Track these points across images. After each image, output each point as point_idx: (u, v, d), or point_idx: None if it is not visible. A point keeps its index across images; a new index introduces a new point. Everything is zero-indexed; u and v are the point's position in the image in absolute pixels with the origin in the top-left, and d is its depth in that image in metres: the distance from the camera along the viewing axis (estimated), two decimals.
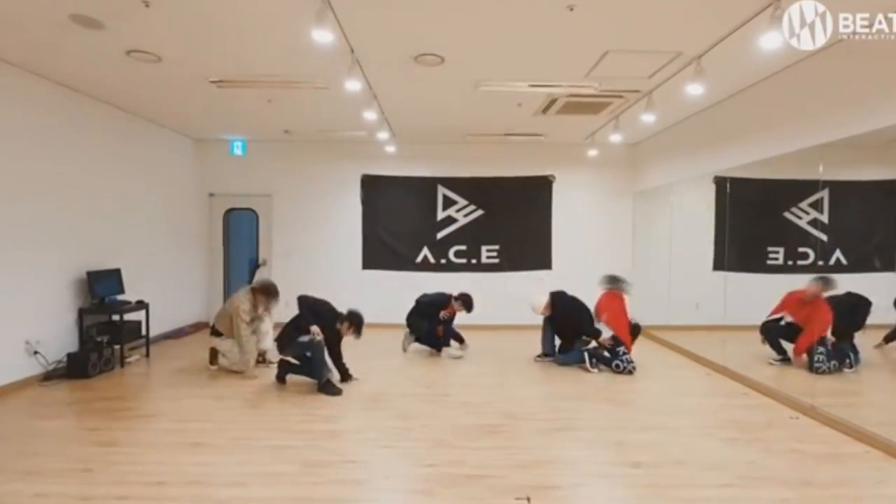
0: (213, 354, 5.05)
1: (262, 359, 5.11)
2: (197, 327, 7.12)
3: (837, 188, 4.40)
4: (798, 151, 4.04)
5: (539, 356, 5.47)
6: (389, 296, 7.03)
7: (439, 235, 7.42)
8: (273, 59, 4.15)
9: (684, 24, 3.40)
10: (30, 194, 4.43)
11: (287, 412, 3.83)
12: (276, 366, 4.62)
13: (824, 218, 4.57)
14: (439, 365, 5.34)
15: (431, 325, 5.63)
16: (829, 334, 4.38)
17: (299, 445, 3.20)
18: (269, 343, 5.01)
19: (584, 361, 5.08)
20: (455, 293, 5.64)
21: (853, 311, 4.48)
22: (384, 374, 4.82)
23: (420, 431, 3.46)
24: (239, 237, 7.56)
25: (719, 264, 5.53)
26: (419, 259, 7.38)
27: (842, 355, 4.39)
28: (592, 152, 6.82)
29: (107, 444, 3.21)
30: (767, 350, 4.87)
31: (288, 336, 4.46)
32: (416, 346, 5.78)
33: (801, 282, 4.61)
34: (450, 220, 7.46)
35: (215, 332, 4.93)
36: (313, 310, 4.56)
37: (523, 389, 4.47)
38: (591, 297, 5.51)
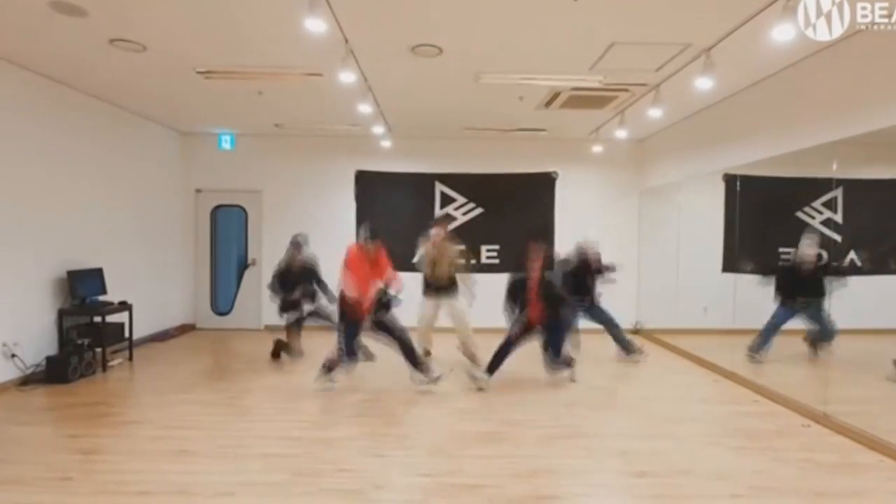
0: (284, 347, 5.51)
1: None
2: (183, 329, 7.11)
3: (852, 187, 4.42)
4: (811, 148, 4.05)
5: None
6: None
7: None
8: (263, 49, 4.15)
9: (693, 14, 3.41)
10: (6, 190, 4.41)
11: (277, 419, 3.83)
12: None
13: (838, 218, 4.60)
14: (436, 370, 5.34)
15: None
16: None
17: (290, 453, 3.20)
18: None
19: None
20: None
21: None
22: (378, 380, 4.82)
23: (416, 439, 3.47)
24: (227, 235, 7.54)
25: (729, 266, 5.55)
26: (416, 259, 7.36)
27: None
28: (597, 148, 6.83)
29: (87, 451, 3.20)
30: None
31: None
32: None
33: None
34: (448, 219, 7.45)
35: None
36: None
37: (523, 395, 4.48)
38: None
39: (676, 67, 4.34)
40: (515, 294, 4.71)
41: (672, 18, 3.49)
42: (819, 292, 4.65)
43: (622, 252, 7.35)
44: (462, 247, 5.46)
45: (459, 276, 5.39)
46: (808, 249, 4.82)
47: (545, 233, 7.44)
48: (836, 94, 3.86)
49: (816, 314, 4.76)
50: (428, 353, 5.35)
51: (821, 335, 4.75)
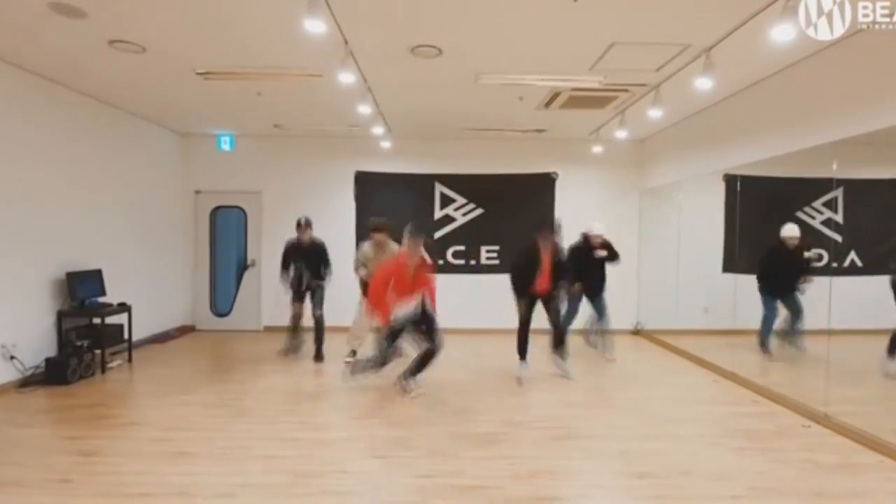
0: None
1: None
2: (182, 331, 7.12)
3: (853, 187, 4.42)
4: (811, 148, 4.06)
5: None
6: None
7: (437, 235, 7.43)
8: (263, 50, 4.15)
9: (693, 14, 3.41)
10: (4, 192, 4.41)
11: (277, 420, 3.84)
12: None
13: (839, 218, 4.60)
14: (436, 371, 5.34)
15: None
16: None
17: (290, 455, 3.21)
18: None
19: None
20: None
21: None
22: (378, 381, 4.82)
23: (416, 440, 3.47)
24: (226, 236, 7.55)
25: (729, 266, 5.56)
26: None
27: None
28: (597, 149, 6.84)
29: (87, 453, 3.21)
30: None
31: None
32: None
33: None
34: (448, 220, 7.47)
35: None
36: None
37: (524, 396, 4.49)
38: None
39: (676, 67, 4.35)
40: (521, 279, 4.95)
41: (672, 18, 3.49)
42: (798, 272, 4.87)
43: (623, 253, 7.35)
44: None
45: None
46: (790, 233, 4.95)
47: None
48: (837, 94, 3.87)
49: (792, 300, 4.97)
50: (353, 353, 5.40)
51: (793, 318, 4.95)
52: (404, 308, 4.26)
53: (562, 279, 5.04)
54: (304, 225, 5.61)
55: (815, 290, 4.59)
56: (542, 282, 4.91)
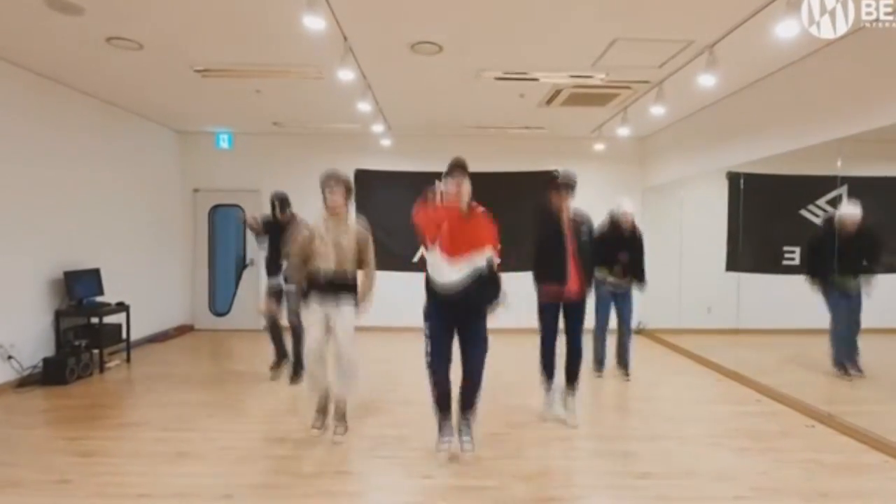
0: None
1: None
2: (181, 330, 7.12)
3: (857, 184, 4.42)
4: (815, 146, 4.06)
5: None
6: (384, 298, 7.00)
7: None
8: (261, 48, 4.15)
9: (697, 10, 3.41)
10: (1, 189, 4.42)
11: (277, 420, 3.84)
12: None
13: None
14: None
15: None
16: None
17: (290, 455, 3.21)
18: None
19: None
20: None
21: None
22: (379, 380, 4.82)
23: (417, 440, 3.47)
24: (225, 235, 7.55)
25: (732, 265, 5.56)
26: (416, 259, 7.38)
27: None
28: (599, 146, 6.84)
29: (86, 454, 3.21)
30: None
31: None
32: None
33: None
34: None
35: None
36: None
37: (526, 396, 4.48)
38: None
39: (679, 64, 4.34)
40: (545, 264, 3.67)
41: (675, 14, 3.48)
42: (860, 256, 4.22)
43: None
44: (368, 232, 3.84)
45: (363, 276, 3.79)
46: (850, 212, 4.26)
47: None
48: (841, 91, 3.86)
49: (857, 300, 4.29)
50: (324, 410, 3.52)
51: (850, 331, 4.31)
52: (448, 271, 2.98)
53: (588, 276, 3.71)
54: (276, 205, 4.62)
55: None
56: (571, 280, 3.52)
